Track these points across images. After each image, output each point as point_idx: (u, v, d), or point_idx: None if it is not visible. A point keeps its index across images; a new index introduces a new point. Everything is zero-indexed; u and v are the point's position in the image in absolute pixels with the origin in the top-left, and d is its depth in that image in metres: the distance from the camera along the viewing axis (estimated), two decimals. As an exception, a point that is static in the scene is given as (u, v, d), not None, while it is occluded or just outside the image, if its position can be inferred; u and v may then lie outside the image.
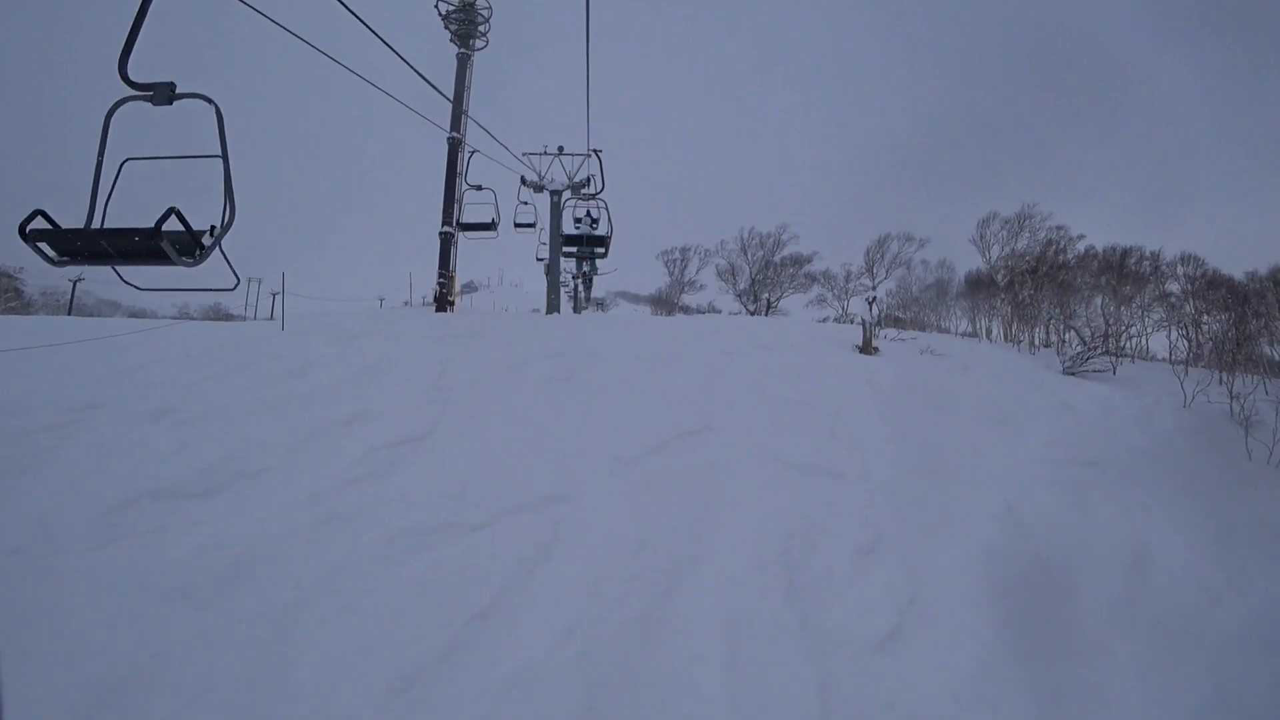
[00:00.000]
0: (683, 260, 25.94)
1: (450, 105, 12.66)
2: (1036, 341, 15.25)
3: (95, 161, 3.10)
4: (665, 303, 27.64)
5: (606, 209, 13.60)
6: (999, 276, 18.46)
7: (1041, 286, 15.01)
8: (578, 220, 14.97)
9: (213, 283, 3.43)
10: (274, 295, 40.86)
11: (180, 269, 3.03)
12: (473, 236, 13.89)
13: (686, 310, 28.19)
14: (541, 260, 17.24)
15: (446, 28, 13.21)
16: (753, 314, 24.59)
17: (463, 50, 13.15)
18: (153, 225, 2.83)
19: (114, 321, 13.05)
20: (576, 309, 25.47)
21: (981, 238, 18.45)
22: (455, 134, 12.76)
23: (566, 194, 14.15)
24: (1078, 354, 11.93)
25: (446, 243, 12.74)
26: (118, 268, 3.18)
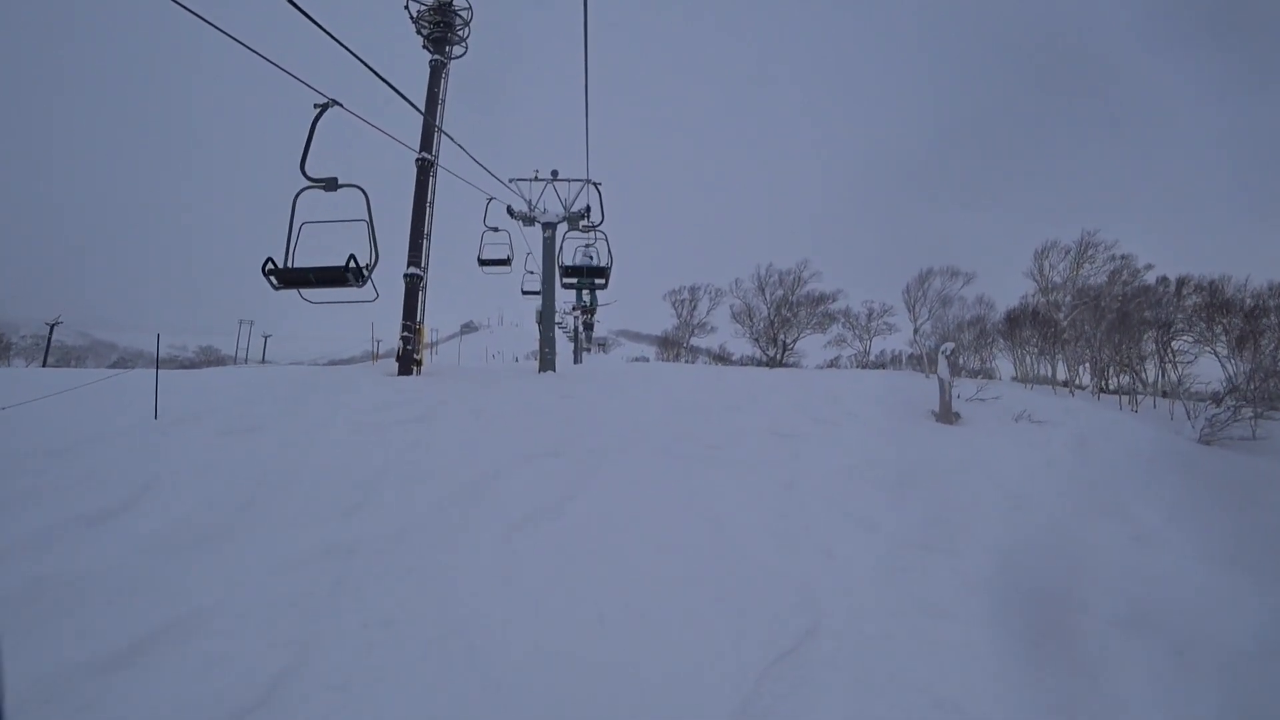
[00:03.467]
0: (692, 300, 23.46)
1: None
2: (1117, 386, 12.76)
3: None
4: (673, 344, 25.08)
5: (606, 240, 11.24)
6: (1062, 315, 15.90)
7: (1134, 328, 12.48)
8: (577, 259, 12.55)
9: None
10: (266, 338, 38.07)
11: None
12: (319, 297, 6.26)
13: (694, 352, 25.65)
14: (528, 293, 14.68)
15: (419, 32, 11.01)
16: (770, 358, 22.11)
17: (437, 57, 10.90)
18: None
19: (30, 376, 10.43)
20: (577, 354, 22.90)
21: (1041, 271, 15.93)
22: (426, 154, 10.42)
23: (562, 227, 11.70)
24: (1214, 417, 9.35)
25: (413, 287, 10.24)
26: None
